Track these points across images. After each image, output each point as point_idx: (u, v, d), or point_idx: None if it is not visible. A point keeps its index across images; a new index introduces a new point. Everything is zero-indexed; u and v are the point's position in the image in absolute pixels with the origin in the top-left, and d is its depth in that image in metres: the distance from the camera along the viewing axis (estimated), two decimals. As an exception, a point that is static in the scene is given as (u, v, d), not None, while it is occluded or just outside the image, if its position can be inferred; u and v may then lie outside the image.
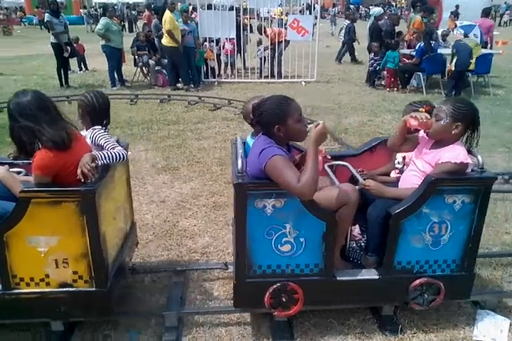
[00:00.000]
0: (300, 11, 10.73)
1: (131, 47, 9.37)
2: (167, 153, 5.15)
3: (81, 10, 29.70)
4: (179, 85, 8.74)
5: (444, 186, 2.08)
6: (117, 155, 2.21)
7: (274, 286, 2.18)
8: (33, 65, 12.00)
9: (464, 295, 2.38)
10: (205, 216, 3.65)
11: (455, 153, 2.09)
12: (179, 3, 11.05)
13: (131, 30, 21.77)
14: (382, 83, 8.88)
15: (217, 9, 9.11)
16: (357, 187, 2.23)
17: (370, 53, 8.90)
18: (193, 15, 9.85)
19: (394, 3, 35.91)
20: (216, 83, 9.23)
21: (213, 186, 4.22)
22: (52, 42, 8.81)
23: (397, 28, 9.71)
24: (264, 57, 9.47)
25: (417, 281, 2.23)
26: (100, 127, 2.42)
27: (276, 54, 9.23)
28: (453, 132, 2.12)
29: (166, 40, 8.23)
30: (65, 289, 2.12)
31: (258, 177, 2.03)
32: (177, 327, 2.34)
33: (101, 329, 2.35)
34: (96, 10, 28.37)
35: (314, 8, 9.96)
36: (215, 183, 4.28)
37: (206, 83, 9.20)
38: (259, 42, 9.69)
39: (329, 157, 2.38)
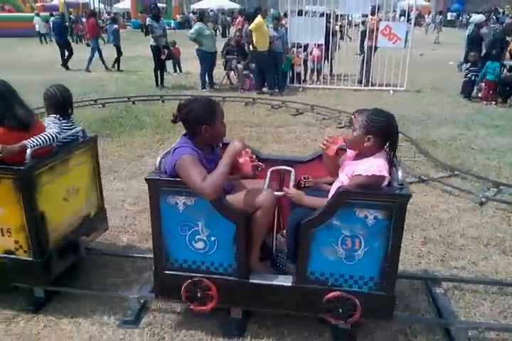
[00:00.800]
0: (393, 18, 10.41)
1: (221, 52, 9.80)
2: (246, 154, 5.31)
3: (177, 15, 31.66)
4: (264, 89, 8.96)
5: (354, 199, 1.98)
6: (43, 137, 2.36)
7: (189, 281, 2.22)
8: (134, 65, 13.03)
9: (384, 316, 2.22)
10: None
11: (367, 166, 1.99)
12: (271, 9, 11.35)
13: (224, 35, 22.67)
14: (479, 95, 8.30)
15: (308, 15, 9.19)
16: (281, 193, 2.19)
17: (466, 63, 8.38)
18: (283, 21, 10.04)
19: (501, 11, 33.26)
20: (301, 89, 9.31)
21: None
22: (151, 45, 9.51)
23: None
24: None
25: (331, 294, 2.14)
26: (54, 116, 2.65)
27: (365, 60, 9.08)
28: (365, 144, 2.03)
29: (255, 44, 8.48)
30: (8, 255, 2.43)
31: (172, 175, 2.08)
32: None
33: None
34: (194, 14, 29.95)
35: (409, 14, 9.62)
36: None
37: (291, 88, 9.31)
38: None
39: (254, 157, 2.33)
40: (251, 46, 8.57)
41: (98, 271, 2.94)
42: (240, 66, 9.22)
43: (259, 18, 8.44)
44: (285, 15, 11.74)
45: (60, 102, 2.69)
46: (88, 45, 12.97)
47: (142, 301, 2.55)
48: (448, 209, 3.87)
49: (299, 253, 2.13)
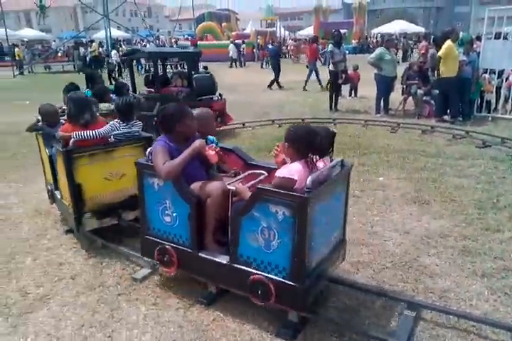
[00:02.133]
0: None
1: (401, 77, 9.51)
2: (420, 185, 4.99)
3: (353, 40, 31.94)
4: (445, 117, 8.33)
5: (267, 195, 2.35)
6: (87, 133, 3.46)
7: (159, 246, 2.88)
8: (312, 87, 13.58)
9: (297, 307, 2.47)
10: (451, 258, 3.37)
11: (284, 169, 2.42)
12: (460, 33, 10.53)
13: (404, 60, 21.97)
14: None
15: (506, 38, 8.25)
16: (232, 187, 2.58)
17: None
18: (474, 46, 9.21)
19: None
20: (490, 118, 8.34)
21: (466, 229, 3.85)
22: (329, 70, 9.82)
23: None
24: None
25: (254, 276, 2.50)
26: (117, 120, 3.70)
27: None
28: (287, 152, 2.48)
29: (442, 69, 7.98)
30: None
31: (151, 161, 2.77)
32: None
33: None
34: (376, 38, 29.87)
35: None
36: (469, 227, 3.90)
37: (477, 117, 8.43)
38: None
39: (219, 149, 2.78)
40: (437, 72, 8.09)
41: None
42: (420, 92, 8.79)
43: (449, 43, 7.93)
44: (477, 38, 10.81)
45: (121, 111, 3.73)
46: (307, 67, 14.26)
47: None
48: None
49: (231, 236, 2.56)
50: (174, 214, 2.78)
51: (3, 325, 2.70)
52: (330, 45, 9.97)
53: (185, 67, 7.99)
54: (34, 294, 3.02)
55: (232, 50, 23.93)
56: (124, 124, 3.73)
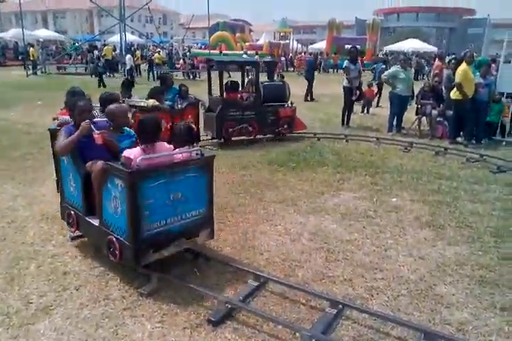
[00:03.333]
0: None
1: (416, 96, 9.46)
2: (434, 208, 4.88)
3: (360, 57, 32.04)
4: (459, 139, 8.24)
5: (113, 171, 2.98)
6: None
7: (67, 211, 3.63)
8: (323, 103, 13.57)
9: (131, 263, 3.08)
10: (467, 288, 3.26)
11: (128, 150, 3.11)
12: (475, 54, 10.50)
13: (416, 79, 21.96)
14: None
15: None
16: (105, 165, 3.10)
17: None
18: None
19: None
20: (504, 143, 8.24)
21: (483, 258, 3.73)
22: (344, 86, 9.78)
23: None
24: None
25: (108, 237, 3.12)
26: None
27: None
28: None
29: (454, 93, 7.94)
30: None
31: None
32: None
33: None
34: (386, 55, 29.96)
35: None
36: (486, 255, 3.78)
37: (492, 141, 8.34)
38: None
39: (105, 134, 3.35)
40: (452, 93, 8.03)
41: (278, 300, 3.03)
42: (434, 112, 8.71)
43: (464, 66, 7.88)
44: (492, 60, 10.79)
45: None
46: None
47: None
48: None
49: (98, 204, 3.24)
50: (74, 185, 3.49)
51: (4, 335, 2.61)
52: (346, 61, 9.93)
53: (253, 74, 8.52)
54: (37, 303, 2.92)
55: (244, 61, 24.08)
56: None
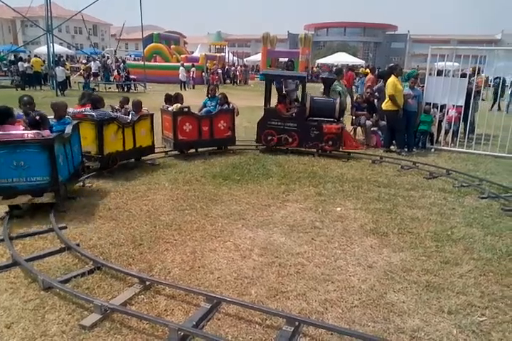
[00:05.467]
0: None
1: (351, 108, 9.85)
2: (376, 216, 5.03)
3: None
4: (392, 147, 8.66)
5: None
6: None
7: None
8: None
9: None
10: (416, 294, 3.34)
11: None
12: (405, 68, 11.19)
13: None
14: None
15: (447, 75, 8.84)
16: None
17: None
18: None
19: None
20: (433, 150, 8.79)
21: (427, 263, 3.87)
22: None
23: None
24: None
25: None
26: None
27: None
28: None
29: (386, 104, 8.37)
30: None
31: None
32: None
33: None
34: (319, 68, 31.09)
35: None
36: (429, 260, 3.93)
37: (424, 149, 8.85)
38: None
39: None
40: (383, 104, 8.45)
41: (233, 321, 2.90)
42: (368, 122, 9.11)
43: (393, 78, 8.33)
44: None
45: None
46: None
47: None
48: None
49: None
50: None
51: None
52: (283, 74, 10.10)
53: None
54: (-41, 349, 2.57)
55: (181, 73, 23.86)
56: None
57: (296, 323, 2.81)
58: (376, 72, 12.41)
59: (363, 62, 42.60)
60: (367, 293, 3.34)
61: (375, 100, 9.59)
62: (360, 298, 3.26)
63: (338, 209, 5.25)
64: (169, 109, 7.52)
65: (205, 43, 42.05)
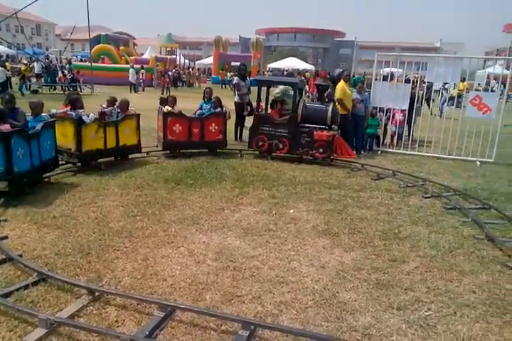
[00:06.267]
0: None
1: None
2: (328, 217, 5.15)
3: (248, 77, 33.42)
4: (342, 150, 8.90)
5: None
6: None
7: None
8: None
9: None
10: (367, 292, 3.45)
11: None
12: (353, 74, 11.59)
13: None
14: None
15: (392, 80, 9.26)
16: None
17: None
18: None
19: None
20: (380, 152, 9.15)
21: (376, 261, 4.01)
22: (235, 102, 9.96)
23: None
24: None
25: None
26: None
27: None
28: None
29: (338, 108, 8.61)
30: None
31: None
32: None
33: None
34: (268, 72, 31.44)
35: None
36: (378, 258, 4.07)
37: (371, 151, 9.18)
38: None
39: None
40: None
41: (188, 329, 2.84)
42: (319, 126, 9.31)
43: (342, 83, 8.60)
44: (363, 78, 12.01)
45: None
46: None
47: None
48: None
49: None
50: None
51: None
52: (235, 78, 10.15)
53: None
54: None
55: (131, 75, 23.30)
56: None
57: (252, 327, 2.81)
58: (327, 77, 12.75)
59: (313, 67, 43.60)
60: (320, 293, 3.40)
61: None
62: (313, 299, 3.32)
63: (291, 211, 5.31)
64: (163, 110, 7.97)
65: (156, 45, 41.30)
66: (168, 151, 7.99)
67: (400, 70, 10.63)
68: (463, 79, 9.27)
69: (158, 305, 2.98)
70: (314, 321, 3.03)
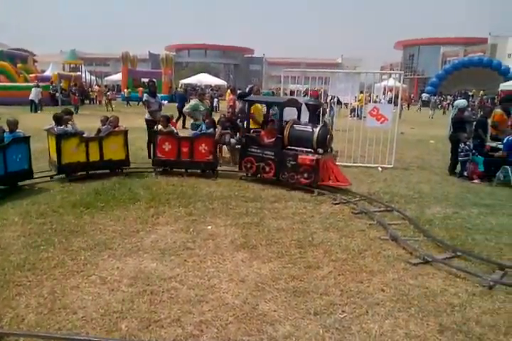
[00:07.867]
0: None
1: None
2: (246, 230, 5.20)
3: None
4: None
5: None
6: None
7: None
8: (131, 137, 13.16)
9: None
10: (285, 301, 3.53)
11: None
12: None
13: (214, 110, 23.59)
14: (465, 174, 8.61)
15: (296, 95, 9.73)
16: None
17: (458, 143, 8.74)
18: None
19: (470, 94, 36.16)
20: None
21: (293, 269, 4.13)
22: (146, 119, 9.76)
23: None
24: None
25: None
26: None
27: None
28: None
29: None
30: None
31: None
32: None
33: None
34: (185, 89, 31.31)
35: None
36: (295, 267, 4.19)
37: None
38: None
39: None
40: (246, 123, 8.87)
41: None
42: (232, 140, 9.44)
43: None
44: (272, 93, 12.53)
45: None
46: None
47: None
48: (458, 294, 3.76)
49: None
50: None
51: None
52: (145, 95, 9.95)
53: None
54: None
55: (33, 93, 21.74)
56: None
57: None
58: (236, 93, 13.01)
59: (225, 82, 44.32)
60: (240, 307, 3.41)
61: (238, 120, 10.02)
62: (234, 314, 3.31)
63: (209, 227, 5.29)
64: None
65: (58, 62, 39.09)
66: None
67: (306, 86, 11.25)
68: (361, 92, 10.12)
69: (67, 340, 2.76)
70: (235, 337, 3.01)
